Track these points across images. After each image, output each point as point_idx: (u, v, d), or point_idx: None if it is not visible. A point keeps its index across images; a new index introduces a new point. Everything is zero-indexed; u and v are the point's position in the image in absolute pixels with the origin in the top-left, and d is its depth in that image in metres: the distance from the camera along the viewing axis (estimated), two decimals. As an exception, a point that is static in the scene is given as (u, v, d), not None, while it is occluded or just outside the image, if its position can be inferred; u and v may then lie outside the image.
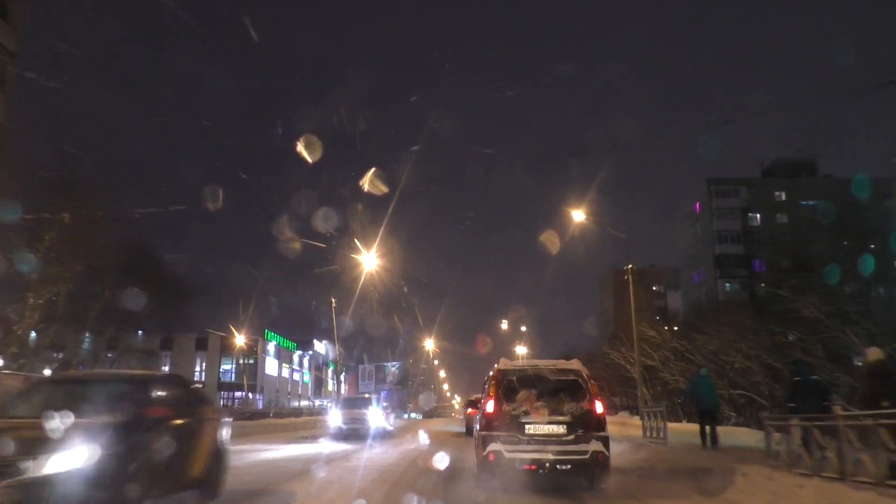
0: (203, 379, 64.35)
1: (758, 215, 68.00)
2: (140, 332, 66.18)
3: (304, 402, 79.45)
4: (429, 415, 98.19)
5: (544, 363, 9.90)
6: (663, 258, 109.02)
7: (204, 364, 64.57)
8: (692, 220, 72.53)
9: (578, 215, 28.41)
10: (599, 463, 8.48)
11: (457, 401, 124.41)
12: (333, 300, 40.92)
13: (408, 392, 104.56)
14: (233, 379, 65.50)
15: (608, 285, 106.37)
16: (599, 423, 8.76)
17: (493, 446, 8.47)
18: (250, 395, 65.02)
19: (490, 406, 8.82)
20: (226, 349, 62.57)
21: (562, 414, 8.60)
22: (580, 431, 8.51)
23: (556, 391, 8.80)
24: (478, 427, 9.64)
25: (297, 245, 33.34)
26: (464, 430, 25.60)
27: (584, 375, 9.12)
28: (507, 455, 8.37)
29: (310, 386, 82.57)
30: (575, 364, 9.58)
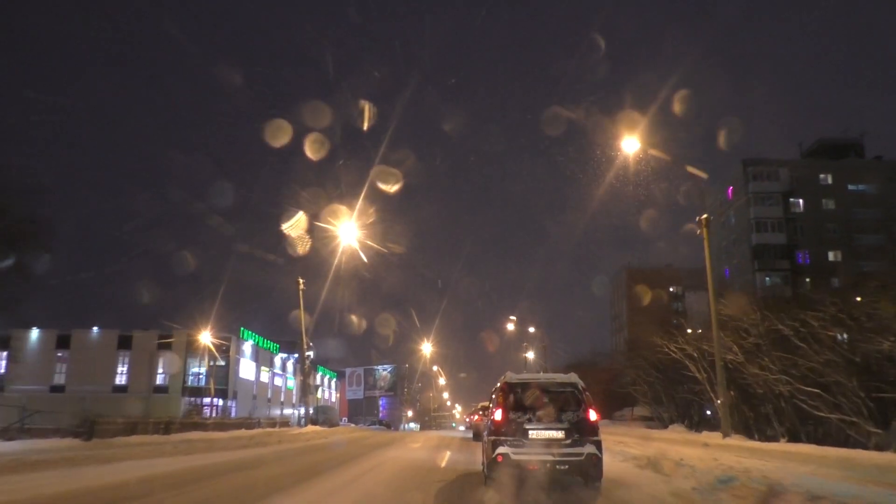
0: (165, 382, 55.20)
1: (801, 201, 58.86)
2: (96, 328, 57.53)
3: (288, 411, 70.24)
4: (426, 425, 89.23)
5: (545, 376, 11.17)
6: (678, 257, 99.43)
7: (166, 365, 55.31)
8: (724, 208, 63.33)
9: (630, 145, 19.57)
10: (593, 464, 9.20)
11: (458, 410, 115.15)
12: (301, 280, 32.04)
13: (404, 399, 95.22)
14: (202, 383, 56.27)
15: (621, 286, 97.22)
16: (593, 429, 9.42)
17: (501, 449, 9.16)
18: (220, 401, 55.78)
19: (498, 414, 9.50)
20: (193, 349, 53.58)
21: (560, 421, 9.30)
22: (577, 436, 9.21)
23: (555, 401, 9.47)
24: (487, 433, 10.17)
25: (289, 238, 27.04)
26: (471, 437, 25.64)
27: (580, 388, 9.80)
28: (513, 457, 9.11)
29: (294, 392, 73.17)
30: (572, 377, 10.12)
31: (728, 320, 21.64)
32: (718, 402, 24.30)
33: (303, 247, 29.77)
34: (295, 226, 29.42)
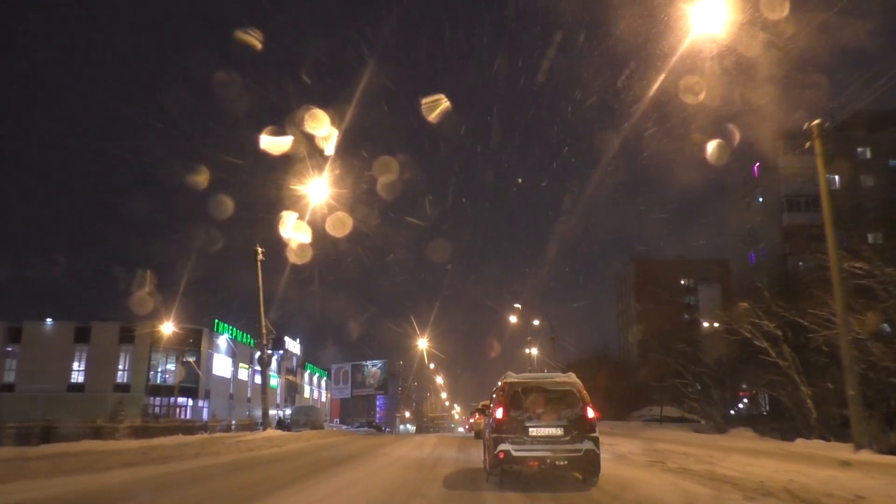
0: (127, 380, 48.54)
1: (836, 177, 52.31)
2: (50, 319, 50.92)
3: (272, 412, 63.57)
4: (424, 427, 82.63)
5: (544, 376, 10.92)
6: (689, 251, 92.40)
7: (128, 361, 48.65)
8: (749, 187, 56.84)
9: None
10: (591, 459, 9.23)
11: (457, 410, 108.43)
12: (260, 249, 25.53)
13: (399, 398, 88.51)
14: (173, 381, 49.57)
15: (628, 280, 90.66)
16: (591, 426, 9.40)
17: (502, 446, 9.25)
18: (189, 401, 49.15)
19: (500, 413, 9.61)
20: (160, 343, 46.94)
21: (560, 419, 9.35)
22: (575, 433, 9.24)
23: (554, 400, 9.58)
24: (488, 430, 10.33)
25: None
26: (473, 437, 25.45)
27: (578, 387, 9.80)
28: (514, 453, 9.19)
29: (279, 392, 66.48)
30: (571, 377, 10.20)
31: (847, 276, 15.10)
32: (804, 399, 17.76)
33: (301, 253, 26.73)
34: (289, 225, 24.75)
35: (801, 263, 51.05)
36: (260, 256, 25.14)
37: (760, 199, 55.24)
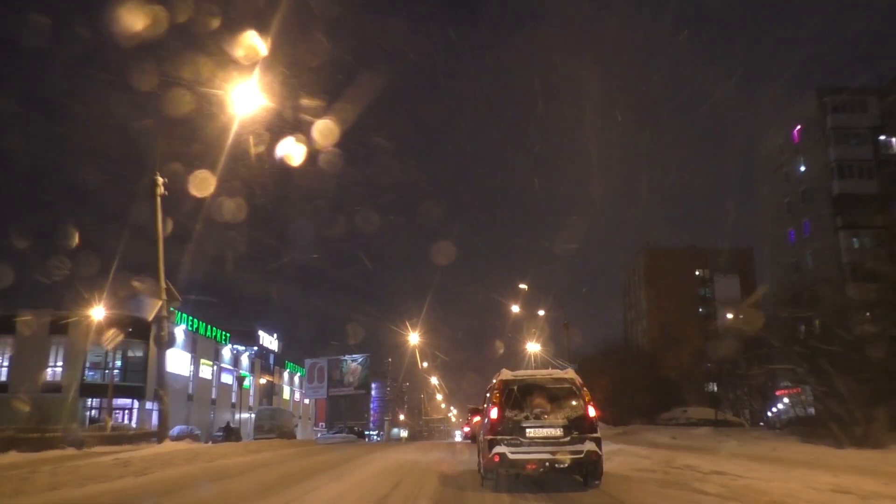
0: (60, 378, 40.40)
1: (893, 140, 44.65)
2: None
3: (244, 415, 55.48)
4: (418, 433, 74.89)
5: (542, 373, 10.33)
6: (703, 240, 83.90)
7: (62, 356, 40.52)
8: (788, 154, 48.98)
9: None
10: (592, 461, 8.82)
11: (453, 413, 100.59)
12: (161, 179, 17.61)
13: (388, 399, 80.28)
14: (120, 380, 41.43)
15: (638, 270, 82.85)
16: (592, 426, 9.03)
17: (498, 449, 8.84)
18: (135, 402, 41.05)
19: (494, 413, 9.21)
20: (98, 336, 38.80)
21: (559, 418, 8.93)
22: (575, 433, 8.83)
23: (553, 398, 9.10)
24: (483, 432, 10.02)
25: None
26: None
27: (578, 384, 9.38)
28: (510, 456, 8.76)
29: (251, 393, 58.25)
30: (569, 373, 9.78)
31: None
32: None
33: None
34: None
35: (854, 240, 43.24)
36: (161, 190, 17.13)
37: (803, 168, 47.34)
